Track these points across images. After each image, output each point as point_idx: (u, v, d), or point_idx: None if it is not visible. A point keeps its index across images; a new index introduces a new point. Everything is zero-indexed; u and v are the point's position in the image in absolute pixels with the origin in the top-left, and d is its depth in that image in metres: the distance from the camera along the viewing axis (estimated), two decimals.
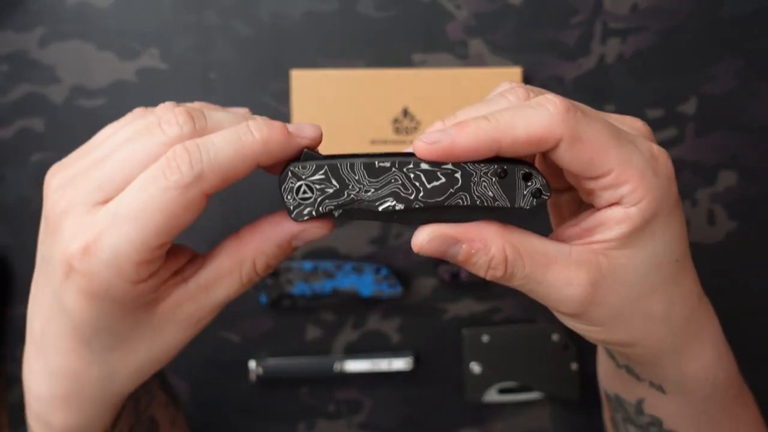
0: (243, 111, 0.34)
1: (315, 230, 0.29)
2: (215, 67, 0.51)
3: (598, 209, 0.28)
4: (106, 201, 0.27)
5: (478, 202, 0.28)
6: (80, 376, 0.29)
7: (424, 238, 0.28)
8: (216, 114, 0.28)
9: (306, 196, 0.28)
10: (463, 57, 0.51)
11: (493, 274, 0.28)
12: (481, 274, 0.28)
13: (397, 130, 0.49)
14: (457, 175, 0.27)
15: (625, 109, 0.52)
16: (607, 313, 0.29)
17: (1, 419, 0.53)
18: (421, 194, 0.28)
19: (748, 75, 0.52)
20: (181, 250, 0.30)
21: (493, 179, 0.28)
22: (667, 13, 0.51)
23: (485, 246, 0.28)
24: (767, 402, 0.54)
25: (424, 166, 0.27)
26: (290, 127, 0.28)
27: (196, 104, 0.32)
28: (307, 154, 0.28)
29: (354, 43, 0.51)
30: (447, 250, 0.28)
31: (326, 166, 0.27)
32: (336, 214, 0.28)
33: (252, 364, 0.53)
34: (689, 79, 0.52)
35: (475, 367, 0.53)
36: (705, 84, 0.52)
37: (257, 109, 0.52)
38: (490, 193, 0.28)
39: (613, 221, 0.27)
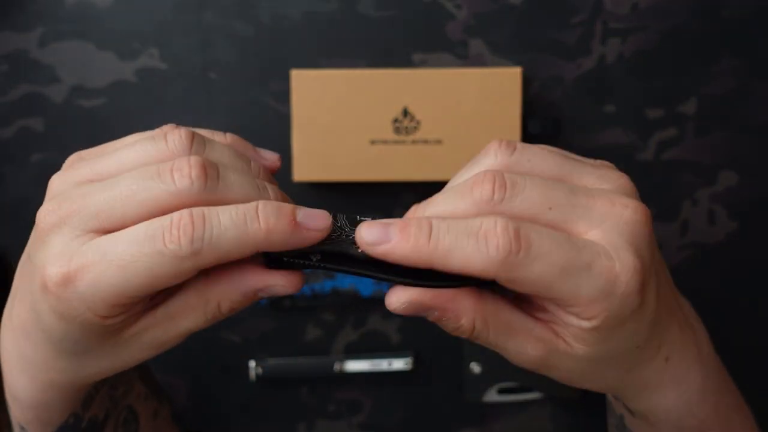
0: (274, 156, 0.33)
1: (281, 288, 0.28)
2: (215, 67, 0.51)
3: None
4: (98, 231, 0.26)
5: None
6: (48, 366, 0.30)
7: (399, 305, 0.28)
8: (230, 175, 0.27)
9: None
10: (463, 57, 0.51)
11: (457, 334, 0.29)
12: (447, 330, 0.29)
13: (397, 130, 0.49)
14: None
15: (625, 109, 0.52)
16: (557, 376, 0.30)
17: (1, 419, 0.53)
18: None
19: (748, 75, 0.52)
20: None
21: None
22: (667, 13, 0.51)
23: (456, 317, 0.28)
24: (766, 403, 0.54)
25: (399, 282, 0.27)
26: (300, 214, 0.27)
27: (218, 139, 0.31)
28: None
29: (354, 43, 0.51)
30: (420, 313, 0.28)
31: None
32: (314, 258, 0.28)
33: (252, 364, 0.53)
34: (689, 79, 0.52)
35: (475, 367, 0.53)
36: (705, 84, 0.52)
37: (257, 109, 0.52)
38: None
39: (567, 324, 0.28)
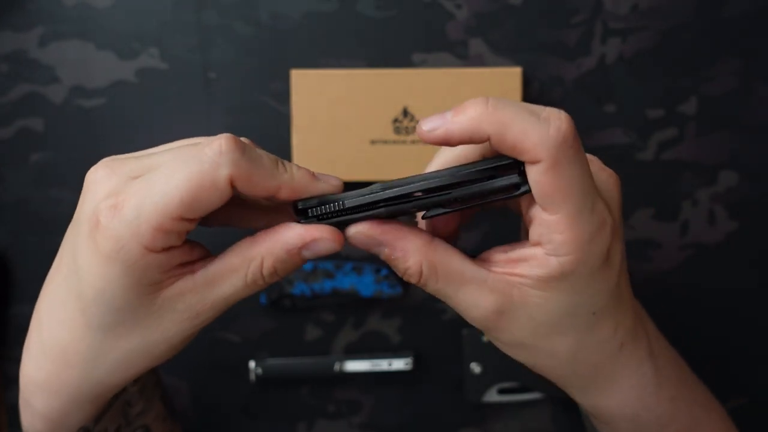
0: (337, 183, 0.34)
1: (326, 243, 0.29)
2: (215, 67, 0.51)
3: (527, 245, 0.29)
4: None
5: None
6: (67, 350, 0.30)
7: (354, 233, 0.29)
8: (258, 150, 0.30)
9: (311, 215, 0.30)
10: (463, 57, 0.51)
11: (408, 279, 0.30)
12: (399, 274, 0.30)
13: (397, 130, 0.49)
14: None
15: (625, 109, 0.52)
16: (509, 339, 0.30)
17: (1, 419, 0.53)
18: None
19: (748, 75, 0.52)
20: (196, 245, 0.30)
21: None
22: (667, 13, 0.51)
23: (404, 256, 0.29)
24: (766, 403, 0.54)
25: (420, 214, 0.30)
26: (318, 174, 0.30)
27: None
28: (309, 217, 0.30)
29: (354, 43, 0.51)
30: (371, 249, 0.30)
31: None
32: (335, 206, 0.29)
33: (252, 364, 0.53)
34: (689, 79, 0.52)
35: (475, 367, 0.53)
36: (705, 84, 0.52)
37: (257, 109, 0.52)
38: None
39: (534, 261, 0.28)
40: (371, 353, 0.53)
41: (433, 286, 0.30)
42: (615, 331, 0.31)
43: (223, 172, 0.27)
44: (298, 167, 0.29)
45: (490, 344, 0.53)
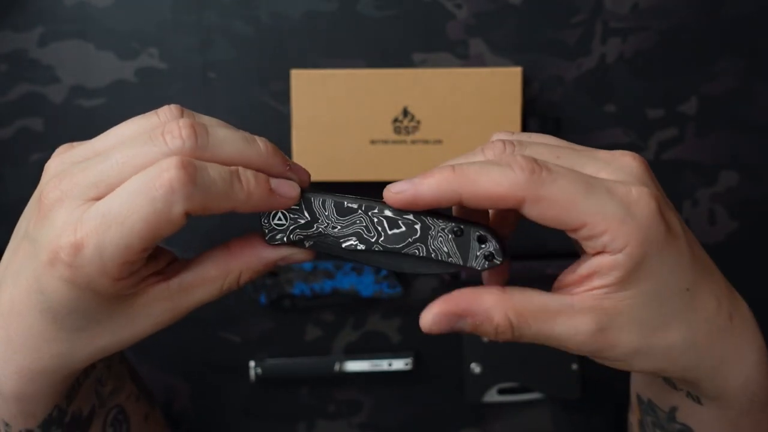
0: (305, 175, 0.34)
1: (299, 256, 0.32)
2: (215, 67, 0.51)
3: (589, 257, 0.28)
4: (98, 198, 0.27)
5: (432, 255, 0.30)
6: (41, 350, 0.30)
7: (430, 320, 0.30)
8: (219, 131, 0.29)
9: (280, 222, 0.30)
10: (463, 57, 0.51)
11: (503, 337, 0.29)
12: (492, 338, 0.29)
13: (397, 130, 0.49)
14: (417, 227, 0.29)
15: (625, 109, 0.52)
16: (623, 351, 0.29)
17: None
18: (382, 239, 0.30)
19: (748, 75, 0.52)
20: (162, 252, 0.31)
21: (450, 236, 0.29)
22: (668, 13, 0.51)
23: (488, 317, 0.29)
24: None
25: (387, 212, 0.30)
26: (273, 182, 0.30)
27: (205, 119, 0.32)
28: None
29: (354, 43, 0.51)
30: (454, 326, 0.30)
31: (301, 199, 0.30)
32: (306, 244, 0.31)
33: (252, 364, 0.53)
34: (689, 79, 0.52)
35: (475, 367, 0.53)
36: (705, 84, 0.52)
37: (257, 109, 0.52)
38: (445, 249, 0.30)
39: (605, 268, 0.28)
40: (371, 353, 0.53)
41: (529, 332, 0.29)
42: (719, 303, 0.31)
43: (177, 209, 0.27)
44: (257, 178, 0.29)
45: (490, 344, 0.53)
